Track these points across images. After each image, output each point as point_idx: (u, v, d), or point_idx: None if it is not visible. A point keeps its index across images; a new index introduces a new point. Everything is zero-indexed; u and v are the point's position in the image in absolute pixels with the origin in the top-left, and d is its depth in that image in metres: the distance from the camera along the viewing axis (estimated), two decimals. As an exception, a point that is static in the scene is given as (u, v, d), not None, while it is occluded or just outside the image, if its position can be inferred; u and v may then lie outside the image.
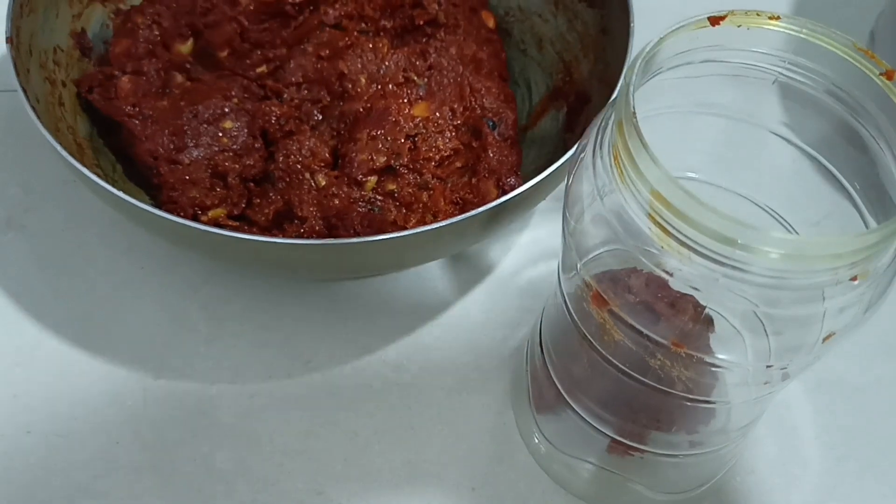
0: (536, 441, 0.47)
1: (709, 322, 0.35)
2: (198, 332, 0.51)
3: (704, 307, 0.33)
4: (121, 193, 0.42)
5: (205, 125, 0.52)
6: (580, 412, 0.42)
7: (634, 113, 0.29)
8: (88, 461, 0.47)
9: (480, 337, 0.52)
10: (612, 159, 0.31)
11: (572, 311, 0.38)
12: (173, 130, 0.52)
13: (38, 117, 0.45)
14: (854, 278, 0.29)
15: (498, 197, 0.44)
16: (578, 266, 0.35)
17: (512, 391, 0.50)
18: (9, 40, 0.47)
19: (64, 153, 0.43)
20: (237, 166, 0.51)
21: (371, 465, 0.47)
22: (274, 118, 0.52)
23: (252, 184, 0.52)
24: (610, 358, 0.37)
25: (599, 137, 0.33)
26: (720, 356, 0.34)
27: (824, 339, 0.30)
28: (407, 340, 0.52)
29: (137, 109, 0.52)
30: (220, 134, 0.52)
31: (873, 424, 0.50)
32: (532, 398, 0.46)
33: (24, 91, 0.46)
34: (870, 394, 0.51)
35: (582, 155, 0.34)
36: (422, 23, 0.56)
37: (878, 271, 0.30)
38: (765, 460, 0.48)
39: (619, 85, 0.46)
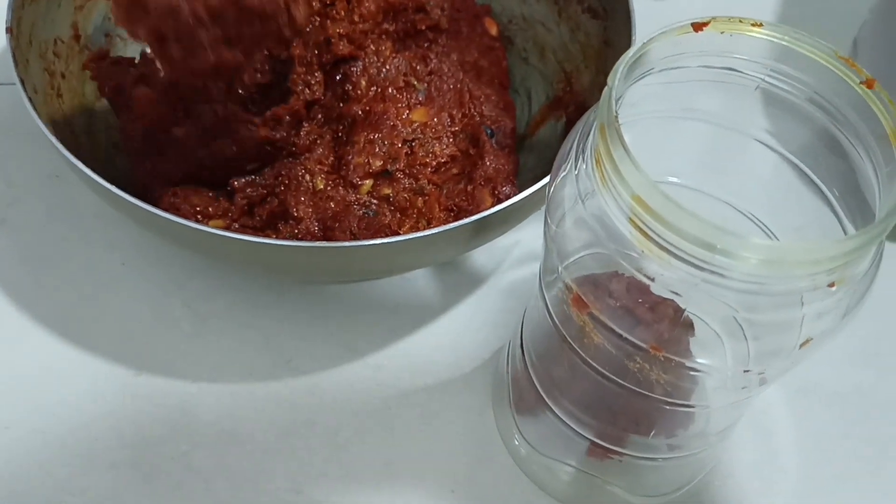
0: (516, 443, 0.47)
1: (689, 326, 0.35)
2: (180, 329, 0.51)
3: (684, 311, 0.33)
4: (117, 190, 0.42)
5: (217, 152, 0.52)
6: (560, 414, 0.42)
7: (617, 117, 0.30)
8: (68, 458, 0.47)
9: (462, 338, 0.52)
10: (595, 163, 0.31)
11: (553, 314, 0.38)
12: (174, 153, 0.51)
13: (36, 109, 0.45)
14: (832, 284, 0.29)
15: (493, 205, 0.44)
16: (560, 269, 0.35)
17: (492, 392, 0.50)
18: (9, 30, 0.47)
19: (60, 147, 0.43)
20: (249, 190, 0.51)
21: (351, 465, 0.47)
22: (301, 139, 0.52)
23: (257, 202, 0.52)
24: (590, 361, 0.37)
25: (582, 141, 0.33)
26: (699, 360, 0.34)
27: (802, 345, 0.31)
28: (389, 341, 0.52)
29: (143, 143, 0.52)
30: (231, 159, 0.52)
31: (851, 431, 0.50)
32: (512, 400, 0.47)
33: (23, 82, 0.46)
34: (848, 400, 0.51)
35: (564, 159, 0.34)
36: (424, 28, 0.55)
37: (855, 278, 0.30)
38: (743, 465, 0.48)
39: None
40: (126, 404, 0.49)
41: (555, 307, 0.38)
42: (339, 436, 0.48)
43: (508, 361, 0.47)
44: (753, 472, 0.48)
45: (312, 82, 0.53)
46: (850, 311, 0.31)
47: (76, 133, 0.51)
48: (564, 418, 0.42)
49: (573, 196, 0.33)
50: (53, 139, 0.43)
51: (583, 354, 0.37)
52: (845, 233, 0.33)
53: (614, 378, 0.36)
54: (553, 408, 0.42)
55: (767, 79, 0.34)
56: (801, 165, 0.35)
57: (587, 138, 0.33)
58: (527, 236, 0.56)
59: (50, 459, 0.47)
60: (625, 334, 0.33)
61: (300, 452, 0.48)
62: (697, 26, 0.32)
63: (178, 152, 0.51)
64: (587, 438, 0.42)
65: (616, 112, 0.30)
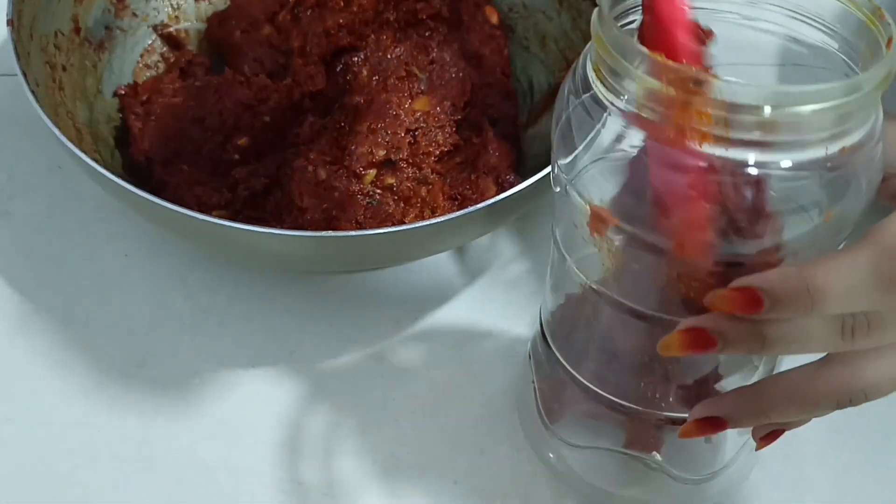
0: (551, 455, 0.45)
1: None
2: (182, 320, 0.51)
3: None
4: (119, 180, 0.42)
5: (219, 143, 0.53)
6: (602, 392, 0.40)
7: (613, 18, 0.30)
8: (69, 451, 0.46)
9: (464, 329, 0.51)
10: (599, 82, 0.31)
11: (577, 271, 0.36)
12: (176, 144, 0.52)
13: (38, 101, 0.45)
14: (844, 150, 0.28)
15: (497, 194, 0.44)
16: (575, 189, 0.33)
17: (512, 392, 0.48)
18: (10, 23, 0.47)
19: (63, 138, 0.43)
20: (251, 180, 0.51)
21: (353, 456, 0.46)
22: (303, 130, 0.52)
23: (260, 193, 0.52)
24: (624, 302, 0.35)
25: (580, 76, 0.32)
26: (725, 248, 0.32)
27: (825, 220, 0.29)
28: (392, 332, 0.51)
29: (145, 109, 0.53)
30: (233, 150, 0.53)
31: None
32: (541, 406, 0.45)
33: (25, 75, 0.46)
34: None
35: (564, 105, 0.33)
36: (425, 17, 0.56)
37: (865, 144, 0.29)
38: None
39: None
40: (128, 396, 0.48)
41: (576, 254, 0.36)
42: (341, 427, 0.47)
43: (532, 367, 0.45)
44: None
45: (313, 73, 0.53)
46: (865, 187, 0.30)
47: (78, 126, 0.51)
48: (606, 394, 0.40)
49: (584, 135, 0.32)
50: (57, 131, 0.43)
51: (618, 298, 0.35)
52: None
53: (658, 315, 0.34)
54: (593, 388, 0.40)
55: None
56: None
57: (584, 71, 0.32)
58: (531, 230, 0.55)
59: (51, 453, 0.46)
60: (647, 236, 0.31)
61: (302, 444, 0.47)
62: None
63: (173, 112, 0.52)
64: (625, 411, 0.39)
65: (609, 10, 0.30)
